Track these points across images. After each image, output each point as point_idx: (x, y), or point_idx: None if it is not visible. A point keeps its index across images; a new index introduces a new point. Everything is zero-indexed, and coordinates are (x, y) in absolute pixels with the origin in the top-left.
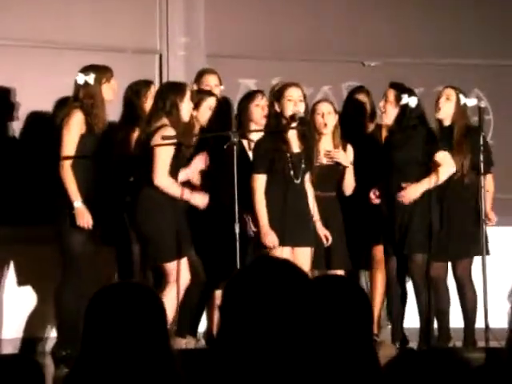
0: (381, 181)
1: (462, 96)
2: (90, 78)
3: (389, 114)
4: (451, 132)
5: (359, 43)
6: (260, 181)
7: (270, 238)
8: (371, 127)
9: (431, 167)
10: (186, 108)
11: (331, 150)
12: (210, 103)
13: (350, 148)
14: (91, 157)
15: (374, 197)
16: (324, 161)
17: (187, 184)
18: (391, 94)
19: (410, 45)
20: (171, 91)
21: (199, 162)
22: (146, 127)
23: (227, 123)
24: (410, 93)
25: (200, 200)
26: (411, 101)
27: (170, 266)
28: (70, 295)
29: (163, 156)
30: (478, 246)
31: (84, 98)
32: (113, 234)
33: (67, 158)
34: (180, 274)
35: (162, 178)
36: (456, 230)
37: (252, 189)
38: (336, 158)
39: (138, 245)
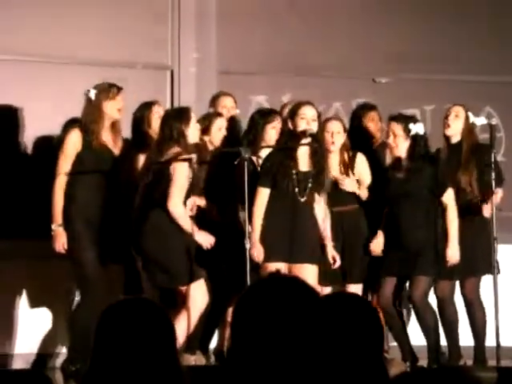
0: (390, 207)
1: (470, 114)
2: (92, 95)
3: (400, 148)
4: (459, 149)
5: (370, 60)
6: (262, 194)
7: (256, 251)
8: (378, 142)
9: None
10: (192, 133)
11: (339, 177)
12: (219, 125)
13: (360, 157)
14: (86, 173)
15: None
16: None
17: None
18: (398, 127)
19: (421, 61)
20: (175, 119)
21: (205, 240)
22: (157, 155)
23: (237, 140)
24: (415, 120)
25: (205, 240)
26: (419, 128)
27: (183, 290)
28: (84, 312)
29: (180, 181)
30: (486, 264)
31: (83, 115)
32: (119, 252)
33: (58, 175)
34: (196, 296)
35: (177, 205)
36: (464, 248)
37: (254, 201)
38: (342, 186)
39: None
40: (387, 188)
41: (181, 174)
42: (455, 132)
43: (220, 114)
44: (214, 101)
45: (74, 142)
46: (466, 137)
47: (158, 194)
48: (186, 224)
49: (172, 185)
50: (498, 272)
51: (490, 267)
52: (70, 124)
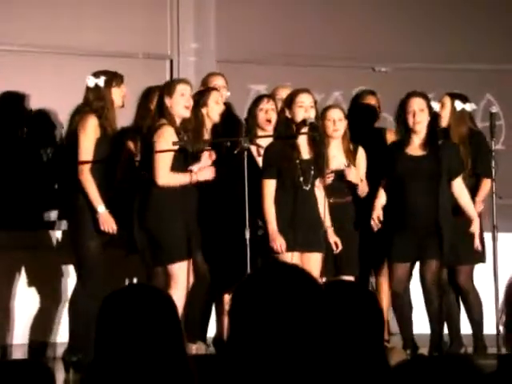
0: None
1: (458, 102)
2: (101, 81)
3: (423, 124)
4: (448, 137)
5: (370, 49)
6: (269, 186)
7: (278, 242)
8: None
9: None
10: (176, 105)
11: (343, 167)
12: (215, 97)
13: (361, 151)
14: (107, 160)
15: (375, 223)
16: (334, 166)
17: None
18: (423, 103)
19: (421, 50)
20: (162, 90)
21: (206, 159)
22: (147, 128)
23: (237, 129)
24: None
25: (208, 174)
26: (436, 107)
27: (178, 267)
28: (85, 300)
29: (163, 157)
30: (480, 253)
31: (94, 101)
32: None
33: (86, 162)
34: (187, 274)
35: (163, 177)
36: (457, 236)
37: (261, 194)
38: (347, 177)
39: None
40: (396, 165)
41: (163, 140)
42: (444, 122)
43: (215, 88)
44: (205, 81)
45: (94, 128)
46: (453, 125)
47: (148, 170)
48: (182, 179)
49: (155, 161)
50: (483, 261)
51: (483, 256)
52: (77, 112)
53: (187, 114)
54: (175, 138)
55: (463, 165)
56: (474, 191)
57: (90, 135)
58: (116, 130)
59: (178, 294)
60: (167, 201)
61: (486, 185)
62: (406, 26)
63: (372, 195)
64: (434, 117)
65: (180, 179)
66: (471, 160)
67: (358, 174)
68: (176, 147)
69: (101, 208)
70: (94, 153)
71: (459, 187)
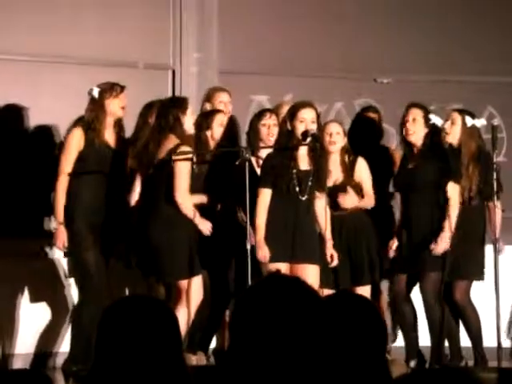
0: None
1: (468, 118)
2: (95, 92)
3: (418, 134)
4: (459, 155)
5: (372, 60)
6: (264, 194)
7: (262, 252)
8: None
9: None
10: (188, 121)
11: (340, 196)
12: (219, 120)
13: (360, 162)
14: (88, 173)
15: (391, 249)
16: (331, 182)
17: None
18: (419, 113)
19: (423, 62)
20: (173, 106)
21: (206, 228)
22: (155, 147)
23: (237, 140)
24: (431, 112)
25: (206, 227)
26: (437, 120)
27: (183, 284)
28: (88, 312)
29: (183, 173)
30: (479, 269)
31: (87, 112)
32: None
33: (60, 173)
34: (192, 291)
35: (184, 195)
36: (460, 252)
37: (256, 202)
38: (342, 205)
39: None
40: (396, 178)
41: (184, 167)
42: (454, 139)
43: (220, 111)
44: (210, 96)
45: (76, 141)
46: (464, 143)
47: (163, 187)
48: (190, 213)
49: (176, 177)
50: (482, 279)
51: (482, 272)
52: (75, 123)
53: (193, 131)
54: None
55: (457, 170)
56: (480, 210)
57: (70, 148)
58: (115, 141)
59: (183, 310)
60: (173, 219)
61: (497, 206)
62: (408, 37)
63: (379, 206)
64: (436, 131)
65: (189, 211)
66: (479, 179)
67: (353, 198)
68: (185, 157)
69: (56, 223)
70: (80, 165)
71: (449, 192)
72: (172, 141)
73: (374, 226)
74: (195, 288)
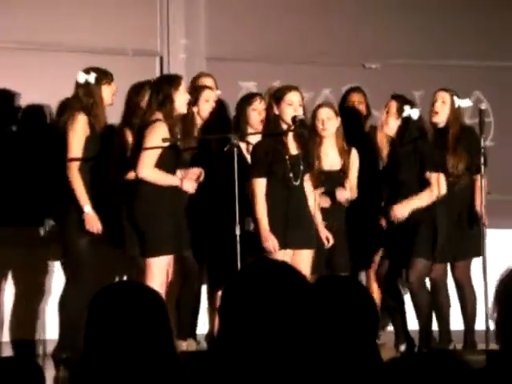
0: (386, 195)
1: (456, 98)
2: (91, 78)
3: (391, 126)
4: (446, 134)
5: (360, 46)
6: (260, 185)
7: (271, 242)
8: (366, 127)
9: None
10: (180, 99)
11: (337, 190)
12: (206, 96)
13: (354, 153)
14: (96, 158)
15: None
16: (327, 166)
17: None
18: (393, 105)
19: (411, 47)
20: (165, 83)
21: (191, 187)
22: (141, 121)
23: (226, 126)
24: (412, 105)
25: (191, 186)
26: (413, 113)
27: (162, 261)
28: (74, 298)
29: (150, 150)
30: (476, 247)
31: (84, 97)
32: (121, 236)
33: (74, 160)
34: (168, 270)
35: (146, 170)
36: (453, 232)
37: (252, 193)
38: (338, 198)
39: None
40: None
41: (154, 137)
42: (443, 119)
43: (207, 87)
44: (195, 81)
45: (83, 126)
46: (452, 122)
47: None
48: (164, 179)
49: (141, 155)
50: (480, 255)
51: (480, 250)
52: (65, 107)
53: (185, 110)
54: (167, 135)
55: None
56: (469, 188)
57: (79, 133)
58: (105, 127)
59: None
60: (156, 196)
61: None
62: (395, 22)
63: (363, 195)
64: (407, 120)
65: (162, 179)
66: (465, 157)
67: (345, 192)
68: (165, 144)
69: (87, 208)
70: (84, 151)
71: (432, 181)
72: (154, 116)
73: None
74: (161, 268)
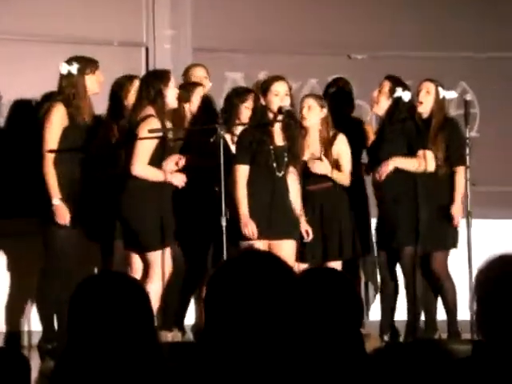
0: (371, 173)
1: (440, 89)
2: (73, 68)
3: (381, 105)
4: (429, 125)
5: (346, 36)
6: (242, 171)
7: (250, 227)
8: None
9: None
10: (171, 94)
11: (309, 159)
12: (200, 93)
13: (341, 137)
14: (75, 150)
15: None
16: (306, 156)
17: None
18: (386, 85)
19: (397, 38)
20: (155, 78)
21: (179, 180)
22: (131, 117)
23: (212, 117)
24: (405, 87)
25: (179, 180)
26: (404, 95)
27: (155, 255)
28: (52, 289)
29: (144, 148)
30: (454, 238)
31: (66, 88)
32: (97, 230)
33: (49, 151)
34: (164, 263)
35: (138, 167)
36: (431, 222)
37: (233, 179)
38: (312, 169)
39: (122, 240)
40: (369, 153)
41: (145, 141)
42: (427, 109)
43: (201, 84)
44: (187, 72)
45: (59, 117)
46: (435, 112)
47: (129, 160)
48: (156, 176)
49: (136, 149)
50: (455, 246)
51: (456, 240)
52: (48, 99)
53: (176, 105)
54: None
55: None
56: (448, 179)
57: (54, 125)
58: (90, 119)
59: (156, 283)
60: (142, 191)
61: (461, 173)
62: (382, 13)
63: (357, 182)
64: (397, 101)
65: (154, 175)
66: (445, 148)
67: (325, 166)
68: (157, 135)
69: (55, 200)
70: (62, 142)
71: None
72: (146, 112)
73: (349, 201)
74: (165, 259)
